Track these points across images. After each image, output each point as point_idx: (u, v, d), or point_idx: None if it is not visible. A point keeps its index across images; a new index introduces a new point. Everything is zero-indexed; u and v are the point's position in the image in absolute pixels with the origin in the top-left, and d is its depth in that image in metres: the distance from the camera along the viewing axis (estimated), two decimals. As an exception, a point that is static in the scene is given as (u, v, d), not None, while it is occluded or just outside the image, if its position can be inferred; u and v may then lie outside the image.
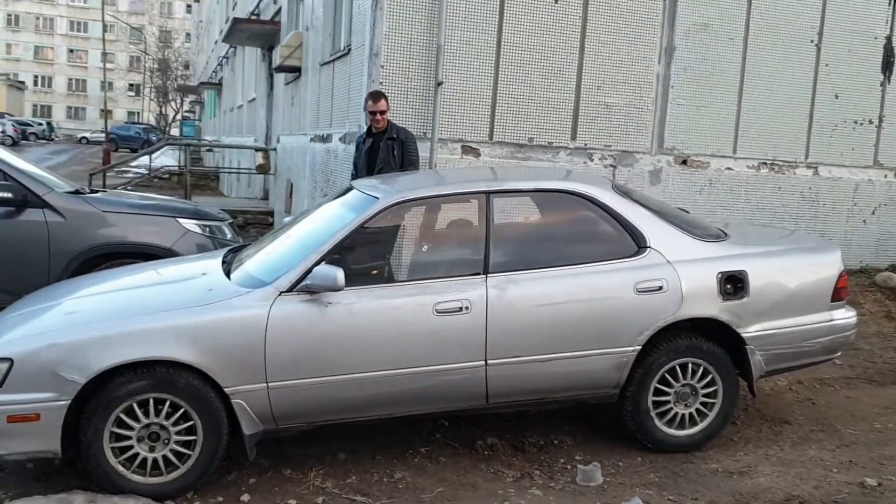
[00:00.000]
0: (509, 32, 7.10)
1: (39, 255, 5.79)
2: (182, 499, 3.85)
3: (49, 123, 63.51)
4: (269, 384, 3.85)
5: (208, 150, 29.81)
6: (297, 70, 10.76)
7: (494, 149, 7.19)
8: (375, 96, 6.29)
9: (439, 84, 6.85)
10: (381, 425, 4.53)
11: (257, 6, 16.28)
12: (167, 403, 3.77)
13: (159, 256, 5.76)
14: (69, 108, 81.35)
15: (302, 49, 10.46)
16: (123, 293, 4.35)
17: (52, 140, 56.87)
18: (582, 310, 4.20)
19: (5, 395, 3.63)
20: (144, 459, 3.79)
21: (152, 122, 63.86)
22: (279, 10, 13.26)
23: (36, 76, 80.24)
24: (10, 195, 5.73)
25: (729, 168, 7.92)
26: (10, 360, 3.65)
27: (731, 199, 7.93)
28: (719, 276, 4.36)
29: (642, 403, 4.36)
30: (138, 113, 76.52)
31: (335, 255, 4.03)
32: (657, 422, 4.41)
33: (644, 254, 4.33)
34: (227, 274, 4.29)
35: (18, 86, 73.28)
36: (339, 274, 3.82)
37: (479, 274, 4.13)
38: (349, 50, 7.74)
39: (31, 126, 55.22)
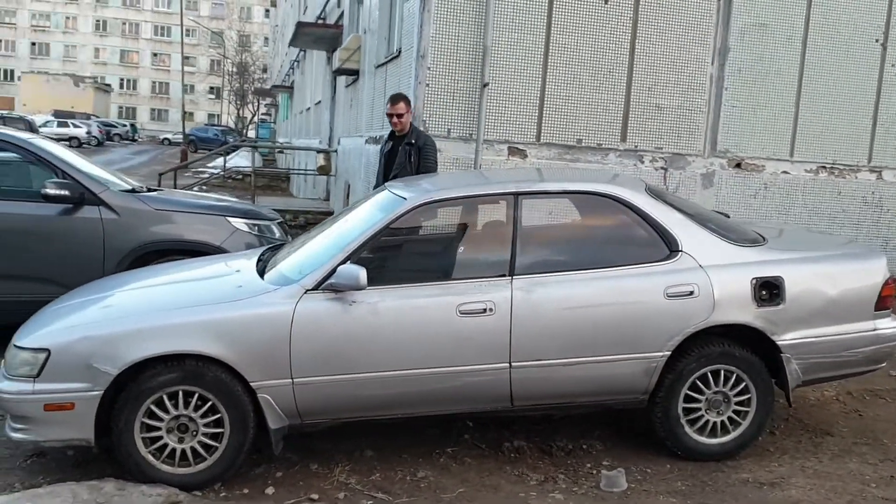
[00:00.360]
0: (557, 33, 7.05)
1: (95, 251, 6.01)
2: (209, 490, 3.95)
3: (133, 125, 65.89)
4: (294, 380, 3.92)
5: (280, 152, 30.44)
6: (355, 73, 10.91)
7: (542, 150, 7.15)
8: (394, 99, 6.25)
9: (485, 85, 6.86)
10: (409, 424, 4.57)
11: (323, 10, 16.56)
12: (196, 396, 3.88)
13: (209, 253, 5.92)
14: (153, 109, 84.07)
15: (360, 52, 10.60)
16: (161, 288, 4.49)
17: (136, 141, 58.91)
18: (609, 314, 4.15)
19: (42, 383, 3.80)
20: (174, 450, 3.91)
21: (231, 124, 65.42)
22: (342, 13, 13.47)
23: (122, 79, 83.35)
24: (67, 193, 5.96)
25: (785, 171, 7.70)
26: (48, 350, 3.82)
27: (788, 204, 7.70)
28: (754, 281, 4.25)
29: (672, 410, 4.28)
30: (218, 115, 78.50)
31: (361, 254, 4.09)
32: (687, 429, 4.32)
33: (676, 258, 4.25)
34: (262, 272, 4.39)
35: (105, 88, 76.23)
36: (362, 273, 3.88)
37: (504, 276, 4.12)
38: (399, 52, 7.82)
39: (116, 127, 57.35)
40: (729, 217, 5.22)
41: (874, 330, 4.45)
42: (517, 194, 4.29)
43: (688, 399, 4.30)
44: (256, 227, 6.58)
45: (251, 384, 3.90)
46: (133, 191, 6.54)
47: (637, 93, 7.25)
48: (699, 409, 4.31)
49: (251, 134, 55.93)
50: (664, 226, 4.30)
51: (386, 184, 5.02)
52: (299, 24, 14.37)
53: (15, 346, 3.94)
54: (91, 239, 6.04)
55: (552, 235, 4.62)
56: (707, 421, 4.33)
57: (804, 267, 4.41)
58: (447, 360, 4.02)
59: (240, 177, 26.18)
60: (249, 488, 4.02)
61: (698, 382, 4.29)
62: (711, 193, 7.47)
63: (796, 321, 4.31)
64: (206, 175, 23.60)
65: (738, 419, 4.36)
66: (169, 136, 60.15)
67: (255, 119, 59.99)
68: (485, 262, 4.35)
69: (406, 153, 6.17)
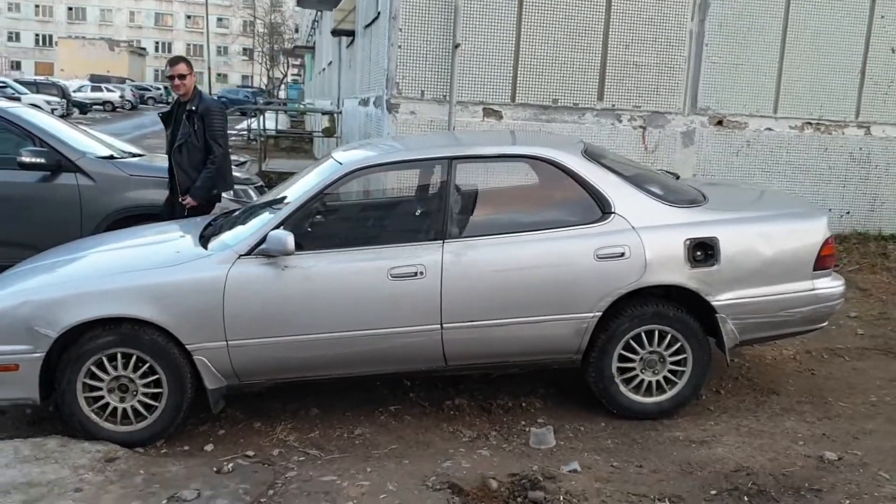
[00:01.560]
0: (530, -9, 7.00)
1: (72, 216, 6.20)
2: (151, 446, 4.13)
3: (167, 88, 66.41)
4: (229, 342, 4.05)
5: (303, 114, 30.52)
6: (351, 34, 10.91)
7: (517, 111, 7.14)
8: (173, 61, 5.91)
9: (457, 46, 6.84)
10: (358, 383, 4.71)
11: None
12: (134, 358, 4.03)
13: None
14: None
15: (355, 13, 10.58)
16: (108, 253, 4.62)
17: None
18: (539, 275, 4.20)
19: (-12, 346, 3.99)
20: (115, 409, 4.08)
21: (263, 85, 65.63)
22: (346, -27, 13.39)
23: (157, 42, 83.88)
24: (43, 160, 6.14)
25: (769, 128, 7.58)
26: (-9, 314, 4.00)
27: (772, 161, 7.60)
28: (687, 242, 4.26)
29: (606, 369, 4.34)
30: (251, 77, 78.72)
31: (294, 220, 4.18)
32: (622, 388, 4.38)
33: (608, 220, 4.27)
34: (209, 238, 4.50)
35: (140, 52, 76.89)
36: (290, 239, 3.97)
37: (436, 240, 4.18)
38: (378, 14, 7.81)
39: (150, 90, 57.86)
40: (678, 177, 5.20)
41: (812, 290, 4.44)
42: (451, 159, 4.32)
43: (622, 359, 4.35)
44: (232, 192, 6.70)
45: (187, 347, 4.03)
46: (112, 157, 6.69)
47: (614, 51, 7.17)
48: (634, 368, 4.36)
49: (282, 95, 56.08)
50: (597, 188, 4.31)
51: (333, 150, 5.08)
52: (301, -16, 14.32)
53: (-36, 311, 4.11)
54: (68, 205, 6.22)
55: (486, 199, 4.65)
56: (642, 380, 4.39)
57: (740, 227, 4.41)
58: (380, 322, 4.12)
59: (264, 138, 26.44)
60: (190, 445, 4.18)
61: (632, 342, 4.33)
62: (692, 152, 7.40)
63: (732, 282, 4.32)
64: (233, 138, 23.82)
65: (674, 378, 4.41)
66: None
67: (286, 80, 60.09)
68: (418, 227, 4.42)
69: (189, 121, 5.78)
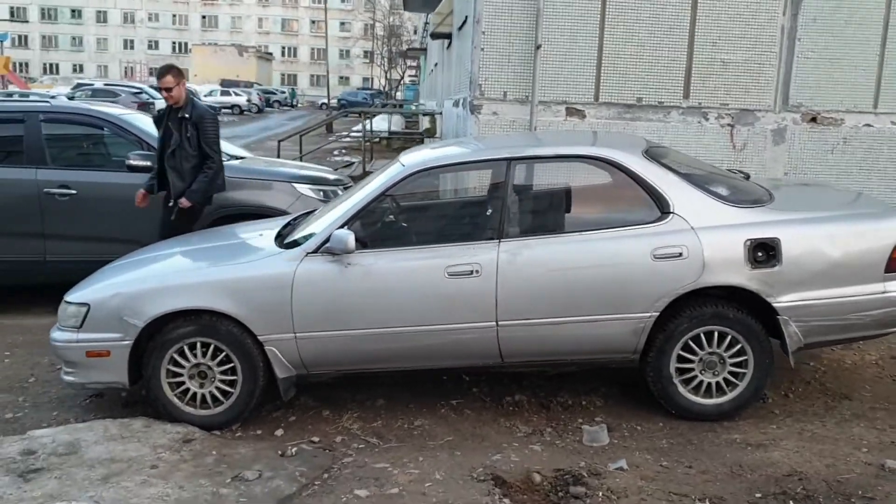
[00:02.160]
0: (614, -9, 6.98)
1: (175, 215, 6.66)
2: (227, 430, 4.45)
3: (292, 91, 68.98)
4: (297, 334, 4.31)
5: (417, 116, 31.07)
6: (448, 36, 11.11)
7: (600, 110, 7.14)
8: (161, 72, 6.05)
9: (538, 47, 6.91)
10: (425, 377, 4.89)
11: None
12: (212, 347, 4.35)
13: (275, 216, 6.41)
14: (312, 76, 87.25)
15: (452, 16, 10.79)
16: (193, 250, 4.98)
17: (294, 106, 61.58)
18: (595, 275, 4.26)
19: (84, 333, 4.39)
20: (195, 394, 4.42)
21: (386, 87, 67.04)
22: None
23: (283, 47, 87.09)
24: (150, 164, 6.61)
25: (868, 125, 7.25)
26: (88, 304, 4.40)
27: (871, 159, 7.27)
28: (748, 243, 4.21)
29: (664, 370, 4.35)
30: (372, 79, 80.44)
31: (359, 219, 4.40)
32: (681, 388, 4.38)
33: (667, 220, 4.28)
34: (286, 237, 4.79)
35: (267, 57, 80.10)
36: (350, 238, 4.19)
37: (493, 239, 4.31)
38: (466, 18, 7.96)
39: (275, 94, 60.26)
40: (748, 177, 5.11)
41: (884, 292, 4.29)
42: (510, 160, 4.44)
43: (681, 359, 4.34)
44: (322, 192, 7.03)
45: (259, 338, 4.32)
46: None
47: (700, 48, 7.05)
48: (693, 369, 4.35)
49: (399, 96, 57.18)
50: (656, 188, 4.32)
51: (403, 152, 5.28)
52: (404, -11, 14.65)
53: (65, 300, 4.55)
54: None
55: (544, 199, 4.73)
56: (702, 381, 4.37)
57: (804, 228, 4.31)
58: (437, 318, 4.28)
59: (377, 140, 27.17)
60: (262, 429, 4.47)
61: (691, 343, 4.32)
62: (783, 150, 7.18)
63: (795, 283, 4.24)
64: (349, 139, 24.62)
65: (734, 380, 4.36)
66: (326, 100, 62.39)
67: (404, 81, 61.19)
68: (475, 226, 4.55)
69: (180, 128, 5.98)
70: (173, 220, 6.02)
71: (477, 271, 4.23)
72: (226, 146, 9.16)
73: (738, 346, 4.31)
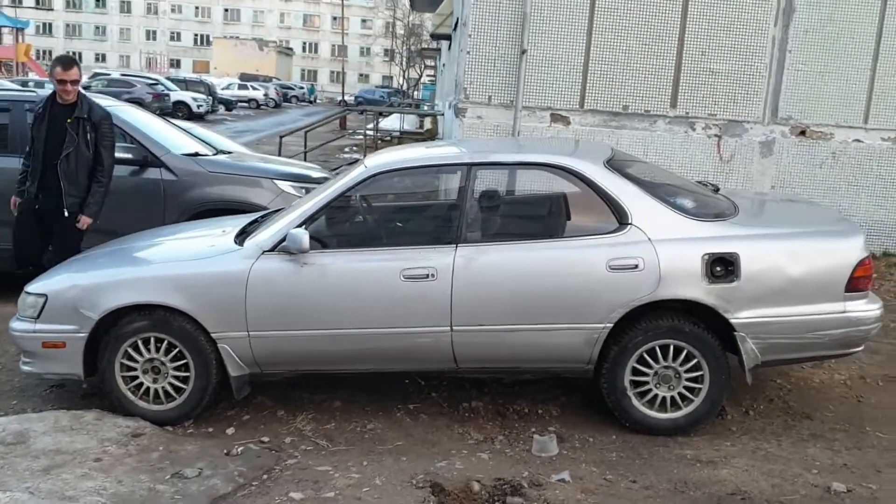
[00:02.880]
0: (603, -3, 6.94)
1: (156, 208, 6.67)
2: (179, 426, 4.44)
3: (312, 86, 69.23)
4: (250, 333, 4.29)
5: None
6: (448, 38, 11.09)
7: (585, 117, 7.10)
8: (67, 63, 5.37)
9: (523, 52, 6.88)
10: (385, 379, 4.87)
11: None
12: (165, 342, 4.35)
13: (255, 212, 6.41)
14: (332, 72, 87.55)
15: (451, 17, 10.77)
16: (156, 244, 4.98)
17: (313, 102, 61.74)
18: (550, 284, 4.22)
19: (41, 324, 4.40)
20: (148, 389, 4.42)
21: (404, 85, 67.14)
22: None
23: (304, 43, 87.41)
24: (132, 156, 6.64)
25: (857, 140, 7.17)
26: (46, 295, 4.41)
27: (860, 175, 7.19)
28: (705, 257, 4.16)
29: (618, 382, 4.30)
30: (391, 77, 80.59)
31: (316, 219, 4.38)
32: (635, 401, 4.33)
33: (624, 230, 4.23)
34: (249, 233, 4.78)
35: (287, 52, 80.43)
36: (305, 237, 4.17)
37: (450, 243, 4.28)
38: (457, 21, 7.94)
39: (293, 89, 60.47)
40: (717, 189, 5.06)
41: (844, 312, 4.23)
42: (470, 165, 4.41)
43: (636, 372, 4.30)
44: (304, 190, 7.01)
45: (212, 335, 4.31)
46: (196, 154, 7.14)
47: (689, 57, 6.99)
48: (647, 382, 4.30)
49: (417, 95, 57.23)
50: (615, 198, 4.28)
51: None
52: (410, -11, 14.64)
53: (25, 290, 4.56)
54: (152, 197, 6.69)
55: (503, 206, 4.70)
56: (656, 395, 4.32)
57: (765, 243, 4.26)
58: (391, 321, 4.26)
59: (388, 138, 27.23)
60: (214, 427, 4.46)
61: (646, 356, 4.27)
62: (771, 163, 7.11)
63: (753, 299, 4.18)
64: (360, 137, 24.68)
65: (690, 395, 4.31)
66: (348, 98, 62.58)
67: (422, 80, 61.27)
68: (434, 230, 4.54)
69: (80, 128, 5.32)
70: (61, 235, 5.39)
71: (433, 275, 4.21)
72: (214, 139, 9.20)
73: (694, 361, 4.26)
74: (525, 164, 4.54)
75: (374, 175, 4.45)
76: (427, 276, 4.21)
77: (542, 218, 4.53)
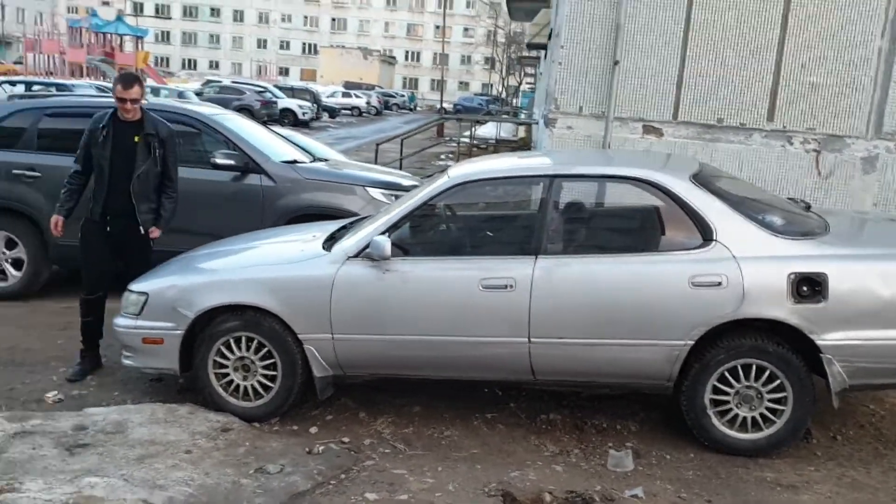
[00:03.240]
0: (699, 9, 6.81)
1: (254, 212, 6.94)
2: (266, 423, 4.63)
3: (411, 94, 70.23)
4: (334, 335, 4.45)
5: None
6: (544, 47, 11.11)
7: (679, 129, 6.99)
8: (129, 80, 5.14)
9: (616, 63, 6.84)
10: (466, 388, 4.93)
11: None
12: (255, 342, 4.55)
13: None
14: (433, 80, 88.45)
15: (547, 27, 10.78)
16: (250, 248, 5.20)
17: (413, 110, 62.59)
18: (630, 298, 4.20)
19: (142, 321, 4.67)
20: (238, 386, 4.63)
21: (503, 93, 67.28)
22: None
23: (407, 51, 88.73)
24: (233, 162, 6.95)
25: (970, 157, 6.82)
26: (147, 294, 4.69)
27: (971, 193, 6.84)
28: (792, 276, 4.06)
29: (698, 400, 4.25)
30: (490, 85, 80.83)
31: (399, 227, 4.50)
32: (715, 420, 4.26)
33: (708, 247, 4.18)
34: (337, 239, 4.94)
35: (390, 61, 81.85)
36: (387, 244, 4.29)
37: (530, 254, 4.32)
38: (551, 31, 7.96)
39: (394, 97, 61.46)
40: (809, 207, 4.91)
41: (939, 338, 4.05)
42: (553, 176, 4.44)
43: (717, 391, 4.23)
44: (394, 197, 7.18)
45: (299, 336, 4.48)
46: (295, 162, 7.41)
47: (788, 70, 6.80)
48: (728, 401, 4.23)
49: (515, 102, 57.25)
50: (700, 214, 4.22)
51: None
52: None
53: (128, 289, 4.85)
54: (251, 202, 6.98)
55: (585, 218, 4.69)
56: (737, 415, 4.24)
57: (855, 264, 4.13)
58: (469, 330, 4.33)
59: (484, 145, 27.40)
60: (299, 426, 4.63)
61: (728, 375, 4.20)
62: (873, 179, 6.83)
63: (841, 321, 4.06)
64: (454, 144, 24.94)
65: (772, 417, 4.21)
66: (446, 105, 63.23)
67: (522, 87, 61.24)
68: (514, 240, 4.58)
69: (149, 147, 5.17)
70: (140, 251, 5.27)
71: (511, 286, 4.26)
72: (313, 147, 9.48)
73: (778, 382, 4.16)
74: (609, 176, 4.54)
75: (457, 185, 4.54)
76: (506, 286, 4.26)
77: (625, 232, 4.51)
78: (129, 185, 5.12)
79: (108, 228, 5.22)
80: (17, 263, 6.94)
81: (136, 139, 5.15)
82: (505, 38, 62.58)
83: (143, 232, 5.20)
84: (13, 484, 3.58)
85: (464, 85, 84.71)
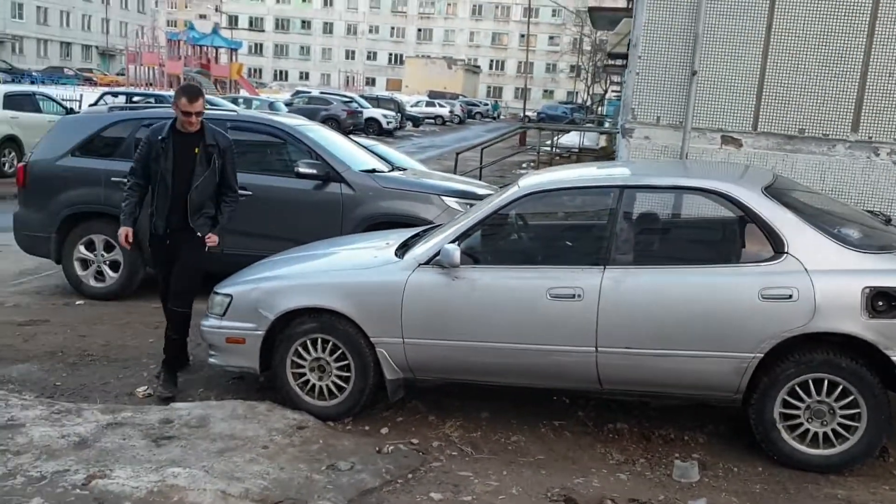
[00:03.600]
0: (781, 18, 6.70)
1: (335, 219, 7.18)
2: (339, 422, 4.80)
3: (495, 103, 70.43)
4: (405, 339, 4.59)
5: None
6: (626, 57, 11.05)
7: (759, 139, 6.89)
8: (195, 93, 5.09)
9: (694, 73, 6.80)
10: (534, 394, 5.01)
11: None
12: (330, 343, 4.73)
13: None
14: (517, 88, 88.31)
15: (628, 37, 10.73)
16: (330, 253, 5.39)
17: (496, 118, 62.74)
18: (699, 310, 4.21)
19: (226, 321, 4.92)
20: (314, 386, 4.81)
21: (588, 101, 66.77)
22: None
23: (491, 60, 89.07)
24: (315, 171, 7.20)
25: None
26: (231, 296, 4.93)
27: None
28: (866, 290, 4.00)
29: (767, 413, 4.22)
30: (575, 93, 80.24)
31: (469, 235, 4.62)
32: (784, 434, 4.22)
33: (780, 259, 4.15)
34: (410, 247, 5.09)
35: (474, 70, 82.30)
36: (456, 252, 4.41)
37: (597, 264, 4.37)
38: (629, 41, 7.95)
39: (478, 106, 61.77)
40: (889, 220, 4.80)
41: None
42: (623, 187, 4.48)
43: (787, 405, 4.19)
44: (469, 205, 7.30)
45: (371, 339, 4.65)
46: (374, 171, 7.62)
47: (874, 79, 6.62)
48: (799, 416, 4.18)
49: (601, 110, 56.71)
50: (772, 226, 4.20)
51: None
52: (590, 9, 14.70)
53: (214, 291, 5.11)
54: (332, 210, 7.22)
55: (655, 229, 4.70)
56: (808, 430, 4.19)
57: (935, 280, 4.02)
58: (536, 338, 4.41)
59: (567, 154, 27.29)
60: (370, 426, 4.78)
61: (798, 389, 4.16)
62: (964, 191, 6.61)
63: (918, 337, 3.97)
64: (534, 153, 24.94)
65: (845, 433, 4.15)
66: (530, 113, 63.23)
67: (608, 96, 60.66)
68: (582, 250, 4.64)
69: (209, 157, 5.14)
70: (189, 251, 5.22)
71: (579, 295, 4.31)
72: (392, 156, 9.69)
73: (851, 398, 4.10)
74: (679, 187, 4.56)
75: (527, 195, 4.64)
76: (574, 295, 4.32)
77: (695, 243, 4.52)
78: (188, 196, 5.12)
79: (168, 242, 5.25)
80: (114, 265, 7.35)
81: (196, 150, 5.14)
82: (591, 45, 62.10)
83: (199, 236, 5.17)
84: (104, 471, 3.84)
85: (548, 93, 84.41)
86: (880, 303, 3.99)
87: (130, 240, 5.30)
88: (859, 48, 6.64)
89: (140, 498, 3.63)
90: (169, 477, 3.81)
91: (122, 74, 46.62)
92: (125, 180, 5.45)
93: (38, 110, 15.99)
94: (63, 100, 19.13)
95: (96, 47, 72.00)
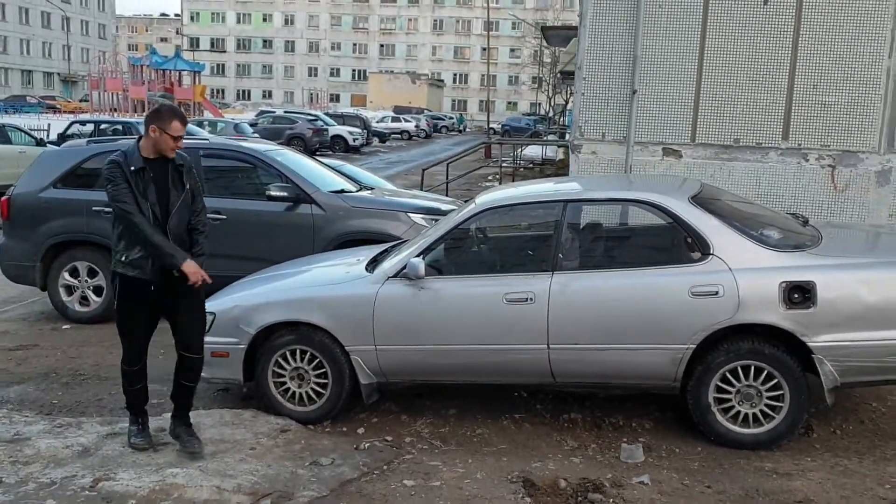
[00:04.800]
0: (713, 37, 7.29)
1: (307, 239, 7.57)
2: (319, 425, 5.22)
3: (460, 116, 71.13)
4: (377, 346, 5.04)
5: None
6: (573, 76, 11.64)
7: (697, 150, 7.46)
8: (184, 119, 4.58)
9: (634, 92, 7.36)
10: (497, 391, 5.49)
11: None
12: (308, 354, 5.16)
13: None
14: (481, 101, 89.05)
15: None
16: (304, 271, 5.82)
17: (462, 131, 63.34)
18: (637, 307, 4.71)
19: (210, 337, 5.29)
20: (294, 393, 5.23)
21: (550, 112, 67.70)
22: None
23: (455, 74, 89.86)
24: (286, 194, 7.62)
25: (981, 167, 7.14)
26: (214, 314, 5.33)
27: (983, 201, 7.15)
28: (783, 284, 4.53)
29: (702, 398, 4.72)
30: (538, 104, 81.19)
31: (433, 249, 5.09)
32: (719, 417, 4.73)
33: (706, 260, 4.67)
34: (379, 262, 5.54)
35: (438, 84, 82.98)
36: (421, 265, 4.88)
37: (546, 271, 4.87)
38: (575, 63, 8.51)
39: (443, 119, 62.36)
40: (806, 221, 5.35)
41: (921, 337, 4.46)
42: (566, 201, 4.99)
43: (720, 390, 4.70)
44: (434, 220, 7.77)
45: (346, 348, 5.09)
46: (342, 191, 8.06)
47: (800, 91, 7.22)
48: (731, 399, 4.70)
49: (563, 121, 57.62)
50: (698, 231, 4.72)
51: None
52: (542, 28, 15.30)
53: (198, 309, 5.51)
54: (304, 230, 7.61)
55: (596, 238, 5.22)
56: (739, 411, 4.70)
57: (842, 273, 4.57)
58: (495, 339, 4.89)
59: (531, 166, 27.92)
60: (347, 427, 5.21)
61: (729, 375, 4.67)
62: (888, 192, 7.20)
63: (830, 325, 4.51)
64: (502, 165, 25.46)
65: (771, 413, 4.66)
66: (494, 126, 63.93)
67: (569, 106, 61.57)
68: (533, 258, 5.13)
69: (180, 179, 4.54)
70: (189, 295, 4.57)
71: (531, 299, 4.80)
72: (360, 175, 10.14)
73: (775, 381, 4.61)
74: (615, 199, 5.09)
75: (483, 210, 5.13)
76: (527, 299, 4.81)
77: (632, 249, 5.03)
78: (166, 227, 4.45)
79: (153, 288, 4.49)
80: (97, 290, 7.71)
81: (168, 173, 4.51)
82: (550, 57, 63.08)
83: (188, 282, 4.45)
84: (109, 474, 4.25)
85: (512, 105, 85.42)
86: (796, 295, 4.52)
87: (206, 275, 4.55)
88: (785, 62, 7.24)
89: (143, 496, 4.04)
90: (168, 476, 4.22)
91: (86, 101, 46.57)
92: (131, 221, 4.41)
93: (9, 141, 16.24)
94: (31, 129, 19.31)
95: (58, 74, 71.78)
